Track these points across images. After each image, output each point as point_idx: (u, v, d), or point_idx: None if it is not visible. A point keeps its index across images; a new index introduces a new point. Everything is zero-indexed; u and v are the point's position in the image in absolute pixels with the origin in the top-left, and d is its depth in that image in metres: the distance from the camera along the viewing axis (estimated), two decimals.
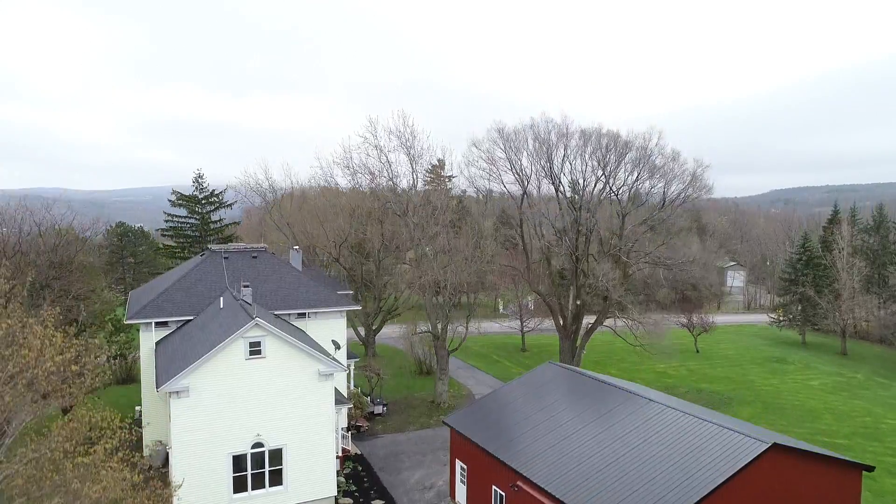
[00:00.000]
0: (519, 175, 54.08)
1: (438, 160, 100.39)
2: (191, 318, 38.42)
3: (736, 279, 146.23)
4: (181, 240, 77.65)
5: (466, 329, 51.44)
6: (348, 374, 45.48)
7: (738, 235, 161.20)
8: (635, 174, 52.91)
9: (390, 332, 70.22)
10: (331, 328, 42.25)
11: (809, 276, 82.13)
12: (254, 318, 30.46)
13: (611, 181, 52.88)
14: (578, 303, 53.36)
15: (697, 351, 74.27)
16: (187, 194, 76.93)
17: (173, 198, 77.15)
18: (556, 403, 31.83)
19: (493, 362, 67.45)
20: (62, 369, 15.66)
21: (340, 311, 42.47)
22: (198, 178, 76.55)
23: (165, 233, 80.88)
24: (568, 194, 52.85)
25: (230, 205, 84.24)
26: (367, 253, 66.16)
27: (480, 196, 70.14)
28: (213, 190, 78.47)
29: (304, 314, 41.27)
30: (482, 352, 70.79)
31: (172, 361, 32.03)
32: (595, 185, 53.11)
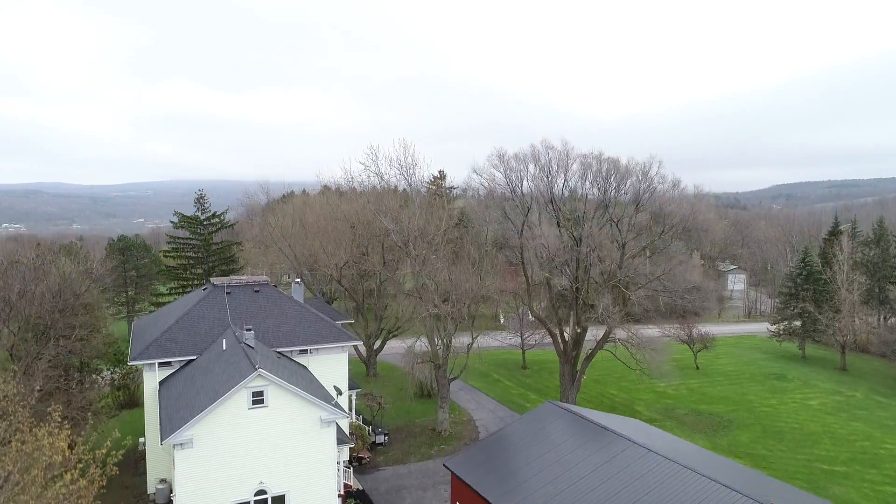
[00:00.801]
0: (520, 202, 54.30)
1: (440, 171, 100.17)
2: (194, 357, 38.70)
3: (737, 283, 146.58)
4: (183, 261, 78.08)
5: (467, 357, 51.66)
6: (350, 402, 45.71)
7: (738, 240, 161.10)
8: (636, 202, 53.08)
9: (392, 348, 70.35)
10: (333, 361, 42.58)
11: (809, 291, 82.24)
12: (256, 369, 30.76)
13: (611, 208, 53.08)
14: (579, 330, 53.62)
15: (697, 367, 74.59)
16: (189, 215, 77.26)
17: (175, 219, 77.50)
18: (556, 450, 32.11)
19: (493, 382, 67.67)
20: (70, 485, 15.96)
21: (342, 347, 42.80)
22: (199, 199, 76.83)
23: (168, 254, 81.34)
24: (568, 225, 53.00)
25: (231, 225, 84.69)
26: (369, 273, 66.36)
27: (482, 205, 70.26)
28: (215, 212, 78.86)
29: (307, 350, 41.62)
30: (482, 370, 70.89)
31: (176, 410, 32.33)
32: (595, 213, 53.30)
